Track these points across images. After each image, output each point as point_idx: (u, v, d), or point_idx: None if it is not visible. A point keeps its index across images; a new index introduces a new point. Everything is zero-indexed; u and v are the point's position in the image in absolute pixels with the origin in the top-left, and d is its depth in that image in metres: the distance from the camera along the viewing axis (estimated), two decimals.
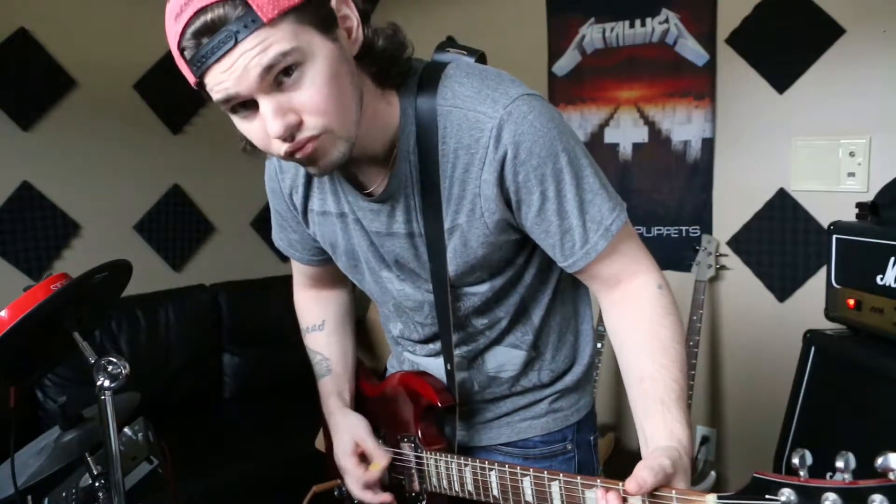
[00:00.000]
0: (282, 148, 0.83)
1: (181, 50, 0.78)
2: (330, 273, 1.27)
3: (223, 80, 0.78)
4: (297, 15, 0.77)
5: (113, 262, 1.21)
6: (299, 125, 0.81)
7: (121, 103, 2.92)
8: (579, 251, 0.97)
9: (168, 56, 3.44)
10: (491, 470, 0.98)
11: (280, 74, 0.78)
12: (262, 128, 0.82)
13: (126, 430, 1.40)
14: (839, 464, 0.61)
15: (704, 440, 2.64)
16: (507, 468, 0.96)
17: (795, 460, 0.64)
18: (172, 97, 3.04)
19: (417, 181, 0.97)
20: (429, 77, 0.95)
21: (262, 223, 3.29)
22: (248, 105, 0.81)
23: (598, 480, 0.81)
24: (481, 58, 1.03)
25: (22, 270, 2.68)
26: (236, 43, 0.75)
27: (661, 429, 0.87)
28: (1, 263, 2.64)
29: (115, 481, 1.14)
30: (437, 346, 1.14)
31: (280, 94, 0.79)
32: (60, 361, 1.37)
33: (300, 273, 1.32)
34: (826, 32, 2.24)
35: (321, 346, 1.30)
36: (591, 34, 2.75)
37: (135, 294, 2.78)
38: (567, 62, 2.84)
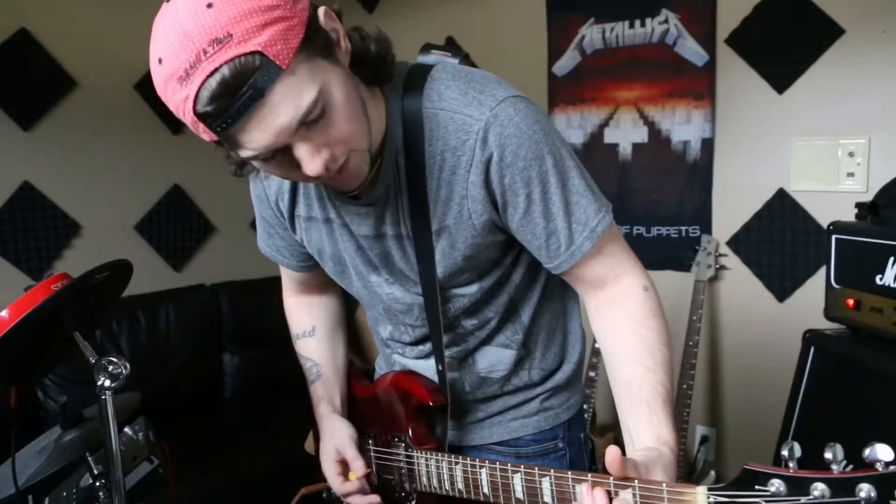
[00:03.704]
0: (310, 178, 0.83)
1: (199, 115, 0.73)
2: (319, 278, 1.27)
3: (256, 137, 0.76)
4: (305, 50, 0.75)
5: (113, 262, 1.22)
6: (331, 157, 0.82)
7: (121, 103, 2.92)
8: (564, 253, 0.98)
9: None
10: (482, 467, 0.98)
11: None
12: (287, 164, 0.81)
13: (126, 429, 1.41)
14: (828, 455, 0.63)
15: (704, 440, 2.64)
16: (497, 465, 0.96)
17: (784, 452, 0.64)
18: None
19: (404, 183, 0.97)
20: (414, 80, 0.95)
21: None
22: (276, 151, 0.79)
23: (589, 475, 0.81)
24: (466, 58, 1.03)
25: (23, 270, 2.68)
26: (263, 97, 0.73)
27: (647, 431, 0.89)
28: (2, 263, 2.64)
29: (115, 481, 1.15)
30: (426, 347, 1.14)
31: (311, 134, 0.79)
32: (61, 361, 1.37)
33: (289, 279, 1.31)
34: (825, 33, 2.24)
35: (311, 351, 1.29)
36: (591, 34, 2.76)
37: (135, 294, 2.78)
38: (567, 62, 2.85)
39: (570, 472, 0.85)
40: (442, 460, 1.06)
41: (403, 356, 1.21)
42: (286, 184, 1.08)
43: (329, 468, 1.18)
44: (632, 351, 0.96)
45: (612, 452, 0.75)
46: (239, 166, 0.92)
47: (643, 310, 0.98)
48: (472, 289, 1.06)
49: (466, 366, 1.15)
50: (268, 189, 1.12)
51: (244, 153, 0.78)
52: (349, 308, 1.37)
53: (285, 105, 0.74)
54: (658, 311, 0.99)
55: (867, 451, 0.60)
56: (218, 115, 0.73)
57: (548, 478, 0.88)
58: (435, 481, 1.09)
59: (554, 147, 0.94)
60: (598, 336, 1.03)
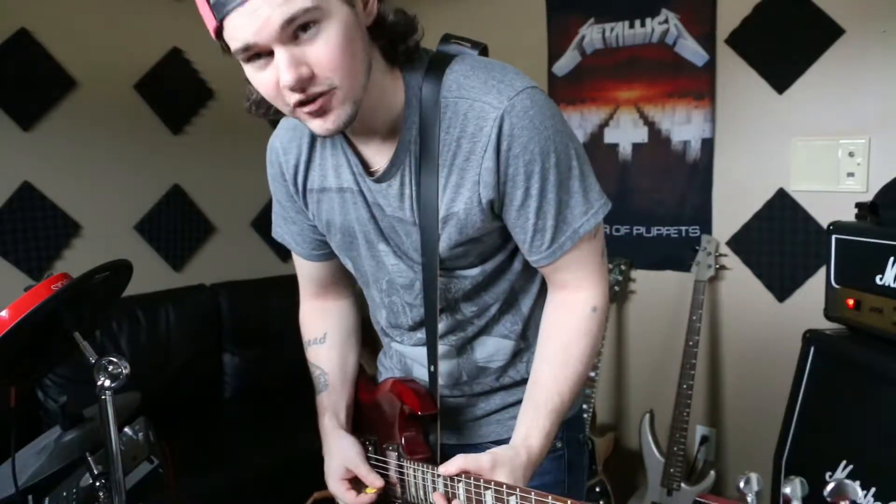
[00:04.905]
0: (291, 98, 0.85)
1: None
2: (334, 276, 1.27)
3: (244, 27, 0.80)
4: None
5: (113, 262, 1.21)
6: (311, 79, 0.84)
7: (121, 103, 2.91)
8: (546, 251, 1.01)
9: (168, 56, 3.40)
10: (459, 482, 0.96)
11: (298, 29, 0.81)
12: (275, 78, 0.84)
13: (126, 429, 1.41)
14: (786, 490, 0.60)
15: (704, 440, 2.64)
16: (472, 480, 0.94)
17: (787, 490, 0.62)
18: (172, 97, 3.05)
19: (416, 171, 0.99)
20: (435, 67, 0.98)
21: (262, 223, 3.30)
22: (263, 55, 0.83)
23: (550, 497, 0.83)
24: (484, 51, 1.05)
25: (22, 270, 2.68)
26: None
27: (521, 429, 1.00)
28: (1, 263, 2.64)
29: (115, 481, 1.15)
30: (424, 334, 1.14)
31: (295, 47, 0.82)
32: (61, 361, 1.37)
33: (304, 280, 1.31)
34: (825, 33, 2.24)
35: (321, 359, 1.28)
36: (591, 34, 2.76)
37: (135, 294, 2.78)
38: (567, 62, 2.85)
39: (533, 493, 0.86)
40: (427, 472, 1.05)
41: (402, 344, 1.21)
42: (303, 156, 1.11)
43: (336, 486, 1.17)
44: (551, 356, 1.04)
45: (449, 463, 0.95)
46: (255, 104, 0.98)
47: (581, 327, 1.04)
48: (475, 271, 1.08)
49: (465, 354, 1.15)
50: (285, 165, 1.14)
51: (233, 45, 0.82)
52: (366, 313, 1.36)
53: (278, 2, 0.78)
54: (595, 332, 1.05)
55: (829, 488, 0.58)
56: None
57: (514, 496, 0.88)
58: (422, 493, 1.07)
59: (561, 145, 0.96)
60: (540, 329, 1.09)
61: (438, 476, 1.01)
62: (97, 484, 1.26)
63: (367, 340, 1.35)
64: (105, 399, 1.10)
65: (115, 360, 1.11)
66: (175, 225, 3.14)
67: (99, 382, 1.10)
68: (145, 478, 1.34)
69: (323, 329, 1.30)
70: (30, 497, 1.29)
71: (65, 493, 1.36)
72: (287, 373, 2.79)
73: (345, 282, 1.29)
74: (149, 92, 2.99)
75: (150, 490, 1.34)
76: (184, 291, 3.02)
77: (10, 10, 2.59)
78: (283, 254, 3.27)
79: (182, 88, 3.08)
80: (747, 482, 0.62)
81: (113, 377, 1.10)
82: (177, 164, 3.10)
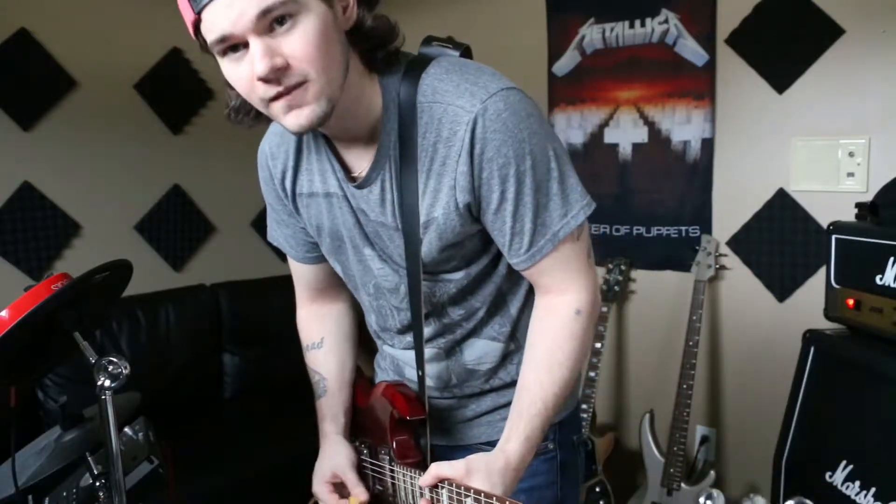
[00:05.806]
0: (267, 92, 0.85)
1: None
2: (329, 280, 1.27)
3: (220, 18, 0.81)
4: None
5: (113, 262, 1.22)
6: (285, 69, 0.84)
7: (121, 103, 2.92)
8: (525, 254, 1.01)
9: (168, 56, 3.40)
10: (442, 488, 0.96)
11: (274, 22, 0.82)
12: (250, 71, 0.84)
13: (126, 429, 1.41)
14: None
15: (704, 440, 2.64)
16: (454, 486, 0.94)
17: None
18: (173, 97, 3.05)
19: (396, 176, 0.99)
20: (412, 72, 0.97)
21: (262, 223, 3.29)
22: (239, 48, 0.84)
23: None
24: (466, 51, 1.05)
25: (23, 270, 2.68)
26: None
27: (504, 433, 1.00)
28: (1, 263, 2.64)
29: (115, 481, 1.15)
30: (413, 338, 1.14)
31: (271, 39, 0.83)
32: (61, 361, 1.37)
33: (300, 284, 1.31)
34: (825, 33, 2.24)
35: (319, 364, 1.28)
36: (591, 34, 2.76)
37: (135, 294, 2.78)
38: (567, 62, 2.85)
39: (508, 501, 0.85)
40: (415, 477, 1.05)
41: (393, 347, 1.21)
42: (290, 161, 1.11)
43: (320, 488, 1.18)
44: (536, 361, 1.03)
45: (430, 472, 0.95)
46: (234, 110, 0.99)
47: (565, 330, 1.03)
48: (459, 275, 1.08)
49: (453, 356, 1.15)
50: (273, 169, 1.14)
51: (210, 37, 0.83)
52: (362, 315, 1.37)
53: None
54: (580, 335, 1.04)
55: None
56: None
57: None
58: (410, 498, 1.07)
59: (537, 147, 0.95)
60: (528, 332, 1.08)
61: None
62: (97, 484, 1.26)
63: (364, 342, 1.35)
64: (105, 399, 1.10)
65: (115, 360, 1.11)
66: (175, 225, 3.14)
67: (99, 382, 1.10)
68: (145, 478, 1.34)
69: (320, 333, 1.30)
70: (30, 497, 1.29)
71: (65, 493, 1.36)
72: (287, 373, 2.78)
73: (340, 285, 1.29)
74: (149, 92, 2.99)
75: (150, 490, 1.34)
76: (184, 291, 3.02)
77: (10, 10, 2.59)
78: (283, 254, 3.28)
79: (182, 88, 3.08)
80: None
81: (113, 377, 1.10)
82: (177, 164, 3.11)
